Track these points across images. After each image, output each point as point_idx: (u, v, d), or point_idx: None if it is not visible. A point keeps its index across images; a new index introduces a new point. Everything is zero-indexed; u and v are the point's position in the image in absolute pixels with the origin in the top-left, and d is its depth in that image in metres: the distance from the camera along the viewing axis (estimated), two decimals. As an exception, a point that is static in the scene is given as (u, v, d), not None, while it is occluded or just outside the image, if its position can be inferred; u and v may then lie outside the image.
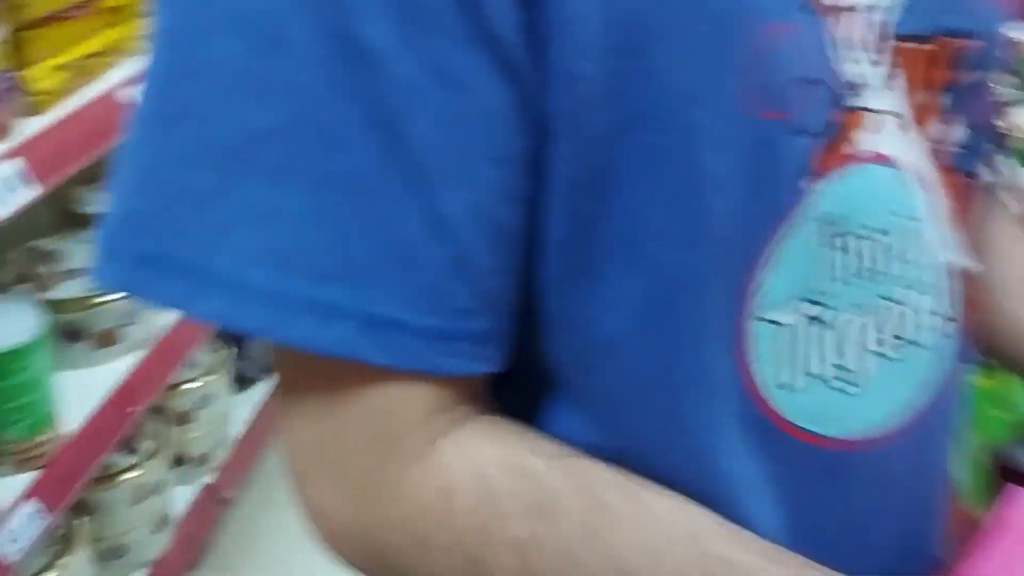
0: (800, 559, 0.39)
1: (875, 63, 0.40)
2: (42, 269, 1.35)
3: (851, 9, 0.39)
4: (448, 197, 0.35)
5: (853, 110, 0.40)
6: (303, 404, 0.39)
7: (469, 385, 0.40)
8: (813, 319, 0.41)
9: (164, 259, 0.36)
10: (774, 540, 0.40)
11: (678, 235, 0.38)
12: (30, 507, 1.11)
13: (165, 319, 1.44)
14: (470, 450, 0.39)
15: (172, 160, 0.36)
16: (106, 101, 1.16)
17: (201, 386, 1.68)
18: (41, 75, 1.07)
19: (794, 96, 0.38)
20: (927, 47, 0.42)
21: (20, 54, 1.05)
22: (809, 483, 0.43)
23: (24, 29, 1.04)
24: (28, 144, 1.01)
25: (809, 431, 0.42)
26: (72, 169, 1.08)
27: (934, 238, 0.43)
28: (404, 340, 0.36)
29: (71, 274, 1.35)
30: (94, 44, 1.16)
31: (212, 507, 1.74)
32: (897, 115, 0.41)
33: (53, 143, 1.05)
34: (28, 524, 1.11)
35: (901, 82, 0.41)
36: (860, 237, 0.41)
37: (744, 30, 0.36)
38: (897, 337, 0.43)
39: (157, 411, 1.59)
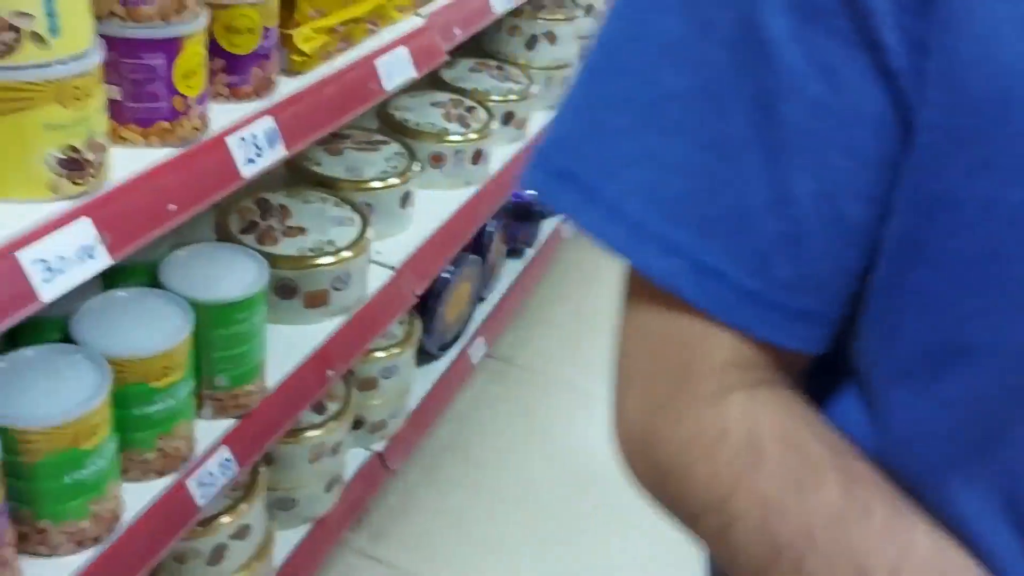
0: None
1: None
2: (269, 221, 1.37)
3: None
4: (799, 179, 0.40)
5: None
6: (634, 317, 0.48)
7: (772, 353, 0.44)
8: None
9: (571, 176, 0.44)
10: None
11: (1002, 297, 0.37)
12: (223, 454, 1.14)
13: (372, 287, 1.45)
14: (754, 411, 0.43)
15: (600, 104, 0.44)
16: (362, 68, 1.15)
17: (388, 356, 1.68)
18: (305, 36, 1.06)
19: None
20: None
21: (288, 14, 1.04)
22: None
23: (298, -11, 1.04)
24: (281, 105, 1.01)
25: None
26: (320, 134, 1.08)
27: None
28: (722, 291, 0.42)
29: (294, 231, 1.37)
30: (358, 10, 1.15)
31: (378, 474, 1.75)
32: None
33: (306, 106, 1.05)
34: (219, 471, 1.13)
35: None
36: None
37: None
38: None
39: (346, 375, 1.61)
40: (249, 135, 0.96)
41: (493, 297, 2.27)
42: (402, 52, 1.22)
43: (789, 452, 0.42)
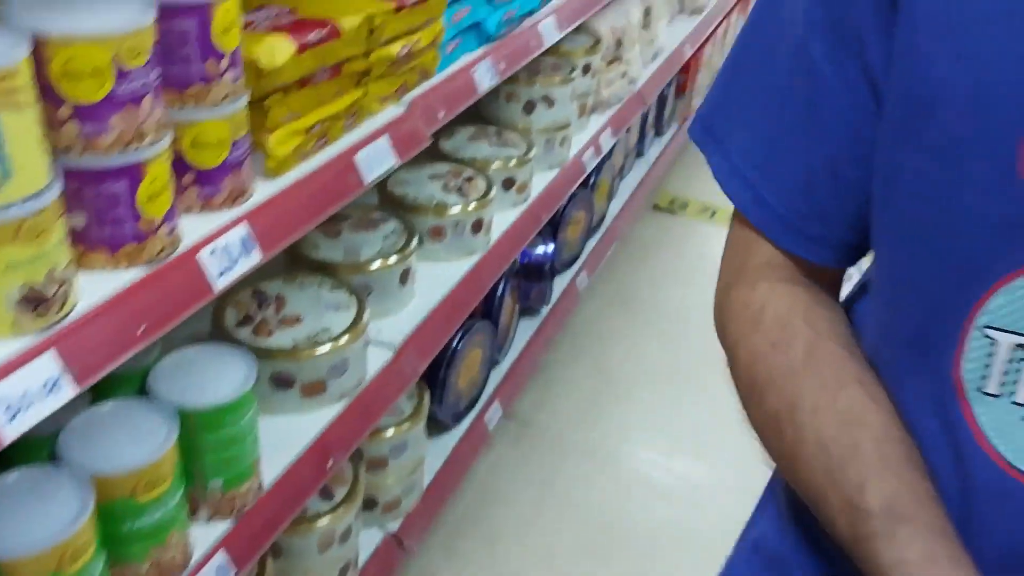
0: (934, 522, 0.53)
1: None
2: (264, 313, 1.38)
3: None
4: (817, 152, 0.61)
5: None
6: (730, 230, 0.70)
7: (797, 261, 0.66)
8: (1019, 347, 0.53)
9: (712, 130, 0.68)
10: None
11: (934, 235, 0.55)
12: (220, 560, 1.13)
13: (372, 369, 1.44)
14: (770, 296, 0.65)
15: (735, 80, 0.67)
16: (340, 164, 1.15)
17: (397, 433, 1.67)
18: (279, 140, 1.06)
19: None
20: None
21: (261, 118, 1.05)
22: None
23: (270, 95, 1.05)
24: (257, 211, 1.01)
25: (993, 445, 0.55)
26: (299, 234, 1.08)
27: None
28: (766, 215, 0.65)
29: (290, 320, 1.37)
30: (335, 107, 1.15)
31: (394, 556, 1.73)
32: None
33: (282, 209, 1.05)
34: None
35: None
36: None
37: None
38: None
39: (353, 456, 1.60)
40: (221, 246, 0.96)
41: (508, 359, 2.26)
42: (383, 143, 1.22)
43: (777, 325, 0.64)
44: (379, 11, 1.17)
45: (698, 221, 3.41)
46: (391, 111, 1.29)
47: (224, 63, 0.93)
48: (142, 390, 1.13)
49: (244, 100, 0.97)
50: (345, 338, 1.35)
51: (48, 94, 0.78)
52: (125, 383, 1.16)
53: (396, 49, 1.24)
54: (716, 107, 0.68)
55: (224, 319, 1.36)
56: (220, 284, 0.95)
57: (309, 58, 1.07)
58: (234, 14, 0.92)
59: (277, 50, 1.03)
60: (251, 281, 1.44)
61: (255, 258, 1.00)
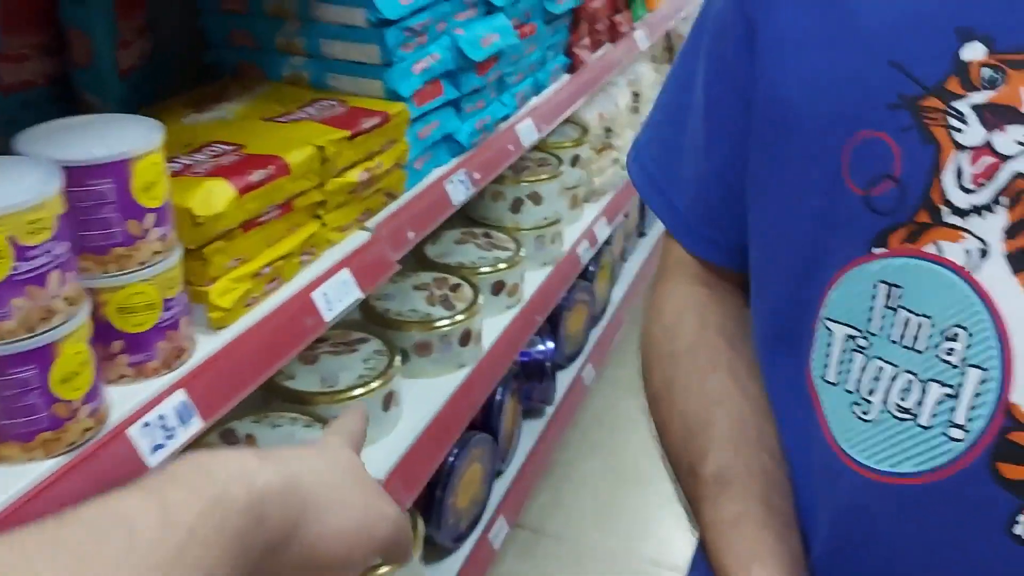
0: (754, 491, 0.62)
1: (992, 201, 0.51)
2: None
3: (987, 149, 0.51)
4: (707, 161, 0.70)
5: (941, 225, 0.53)
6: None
7: (706, 264, 0.74)
8: (851, 338, 0.58)
9: (636, 147, 0.78)
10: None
11: (779, 234, 0.63)
12: None
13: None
14: (673, 293, 0.74)
15: (657, 106, 0.77)
16: (295, 305, 1.07)
17: (390, 569, 1.56)
18: (223, 290, 0.99)
19: (883, 189, 0.55)
20: None
21: (202, 268, 0.97)
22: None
23: (210, 243, 0.97)
24: (196, 372, 0.93)
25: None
26: (248, 391, 0.99)
27: (977, 346, 0.52)
28: (674, 219, 0.74)
29: None
30: (287, 245, 1.08)
31: None
32: (983, 243, 0.52)
33: (228, 366, 0.97)
34: None
35: (1002, 221, 0.51)
36: (909, 311, 0.54)
37: (855, 122, 0.56)
38: (899, 407, 0.56)
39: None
40: (155, 418, 0.87)
41: (513, 466, 2.15)
42: (344, 276, 1.14)
43: (672, 315, 0.73)
44: (332, 140, 1.11)
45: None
46: (355, 239, 1.21)
47: (149, 221, 0.85)
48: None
49: (176, 256, 0.90)
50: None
51: (-63, 283, 0.70)
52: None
53: (354, 176, 1.17)
54: (643, 131, 0.78)
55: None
56: (154, 461, 0.86)
57: (253, 200, 1.00)
58: (158, 167, 0.85)
59: (215, 196, 0.96)
60: (223, 418, 1.36)
61: (195, 426, 0.91)
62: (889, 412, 0.56)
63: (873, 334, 0.56)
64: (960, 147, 0.52)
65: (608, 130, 2.36)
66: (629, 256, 3.05)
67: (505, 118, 1.62)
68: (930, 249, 0.53)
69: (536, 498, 2.37)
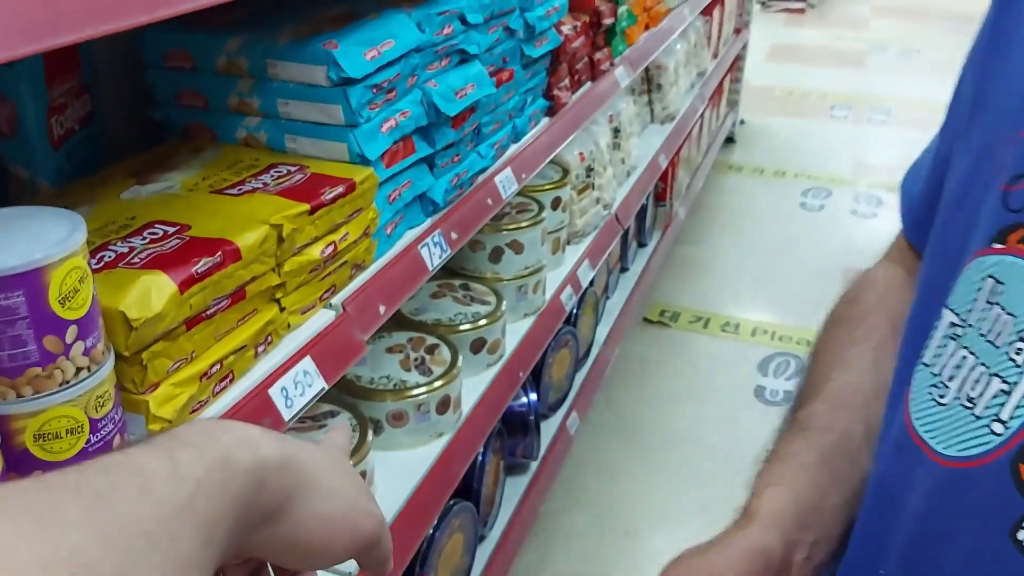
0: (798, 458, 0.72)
1: None
2: None
3: None
4: (935, 153, 0.77)
5: None
6: None
7: (915, 251, 0.81)
8: (953, 325, 0.61)
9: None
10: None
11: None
12: None
13: None
14: (882, 269, 0.85)
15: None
16: (249, 405, 0.95)
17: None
18: (164, 398, 0.87)
19: (1019, 187, 0.57)
20: None
21: (139, 374, 0.85)
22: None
23: (148, 346, 0.85)
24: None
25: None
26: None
27: None
28: (904, 207, 0.84)
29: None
30: (240, 337, 0.96)
31: None
32: None
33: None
34: None
35: None
36: (1001, 308, 0.57)
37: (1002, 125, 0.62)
38: (968, 396, 0.58)
39: None
40: (84, 560, 0.75)
41: (497, 529, 2.02)
42: (306, 365, 1.03)
43: (862, 286, 0.85)
44: (289, 216, 0.99)
45: (691, 332, 3.21)
46: (318, 319, 1.09)
47: (70, 335, 0.73)
48: None
49: (105, 371, 0.78)
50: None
51: None
52: None
53: (316, 253, 1.05)
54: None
55: None
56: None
57: (197, 294, 0.88)
58: (80, 271, 0.73)
59: (153, 294, 0.83)
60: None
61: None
62: (959, 399, 0.59)
63: (970, 325, 0.60)
64: None
65: (589, 169, 2.25)
66: (612, 292, 2.95)
67: (483, 171, 1.51)
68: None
69: (521, 558, 2.25)
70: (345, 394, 1.54)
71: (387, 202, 1.22)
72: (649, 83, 3.11)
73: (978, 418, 0.57)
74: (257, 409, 0.96)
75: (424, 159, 1.31)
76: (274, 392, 0.97)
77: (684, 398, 2.81)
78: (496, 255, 1.92)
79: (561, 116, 1.87)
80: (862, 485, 0.68)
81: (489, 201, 1.51)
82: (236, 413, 0.93)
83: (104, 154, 1.19)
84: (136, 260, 0.88)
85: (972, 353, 0.59)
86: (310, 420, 1.45)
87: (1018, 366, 0.55)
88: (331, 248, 1.07)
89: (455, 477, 1.59)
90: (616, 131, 2.50)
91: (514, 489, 2.14)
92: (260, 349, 1.00)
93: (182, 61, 1.18)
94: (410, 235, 1.31)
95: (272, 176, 1.09)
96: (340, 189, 1.06)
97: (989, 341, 0.57)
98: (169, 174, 1.10)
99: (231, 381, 0.96)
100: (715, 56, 3.96)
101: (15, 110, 1.03)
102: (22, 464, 0.75)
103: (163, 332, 0.86)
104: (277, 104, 1.14)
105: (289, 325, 1.05)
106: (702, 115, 3.71)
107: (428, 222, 1.36)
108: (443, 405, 1.58)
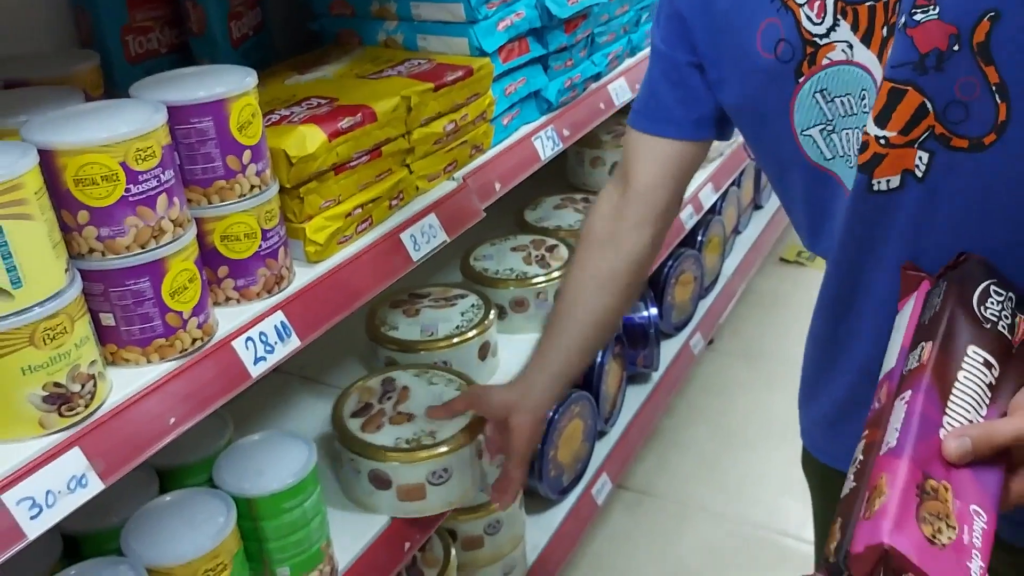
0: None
1: (833, 24, 0.82)
2: (383, 405, 1.37)
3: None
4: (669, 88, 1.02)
5: (822, 44, 0.83)
6: None
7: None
8: (824, 131, 0.88)
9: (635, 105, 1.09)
10: None
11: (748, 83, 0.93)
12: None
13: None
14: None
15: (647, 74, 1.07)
16: (385, 244, 1.16)
17: (491, 509, 1.64)
18: (317, 227, 1.08)
19: (780, 48, 0.86)
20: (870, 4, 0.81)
21: (299, 205, 1.07)
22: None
23: (304, 183, 1.07)
24: (293, 298, 1.03)
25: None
26: (340, 317, 1.08)
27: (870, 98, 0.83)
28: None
29: (402, 418, 1.34)
30: (377, 190, 1.17)
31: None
32: (848, 43, 0.82)
33: (322, 294, 1.06)
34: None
35: (849, 26, 0.82)
36: (839, 97, 0.85)
37: (756, 19, 0.87)
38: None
39: (445, 536, 1.58)
40: (257, 334, 0.98)
41: (617, 429, 2.19)
42: (431, 220, 1.23)
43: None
44: (417, 91, 1.19)
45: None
46: (442, 187, 1.29)
47: (246, 157, 0.96)
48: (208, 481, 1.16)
49: (272, 192, 1.00)
50: (446, 447, 1.29)
51: (65, 201, 0.82)
52: (197, 471, 1.19)
53: (440, 127, 1.25)
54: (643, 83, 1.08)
55: (342, 408, 1.37)
56: (256, 371, 0.97)
57: (342, 144, 1.09)
58: (252, 108, 0.95)
59: (307, 139, 1.05)
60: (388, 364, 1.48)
61: (293, 344, 1.01)
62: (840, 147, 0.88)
63: (832, 120, 0.85)
64: (799, 6, 0.83)
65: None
66: (744, 228, 3.03)
67: (596, 77, 1.67)
68: (825, 61, 0.83)
69: (642, 461, 2.41)
70: (476, 283, 1.75)
71: (503, 94, 1.40)
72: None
73: (844, 161, 0.88)
74: (391, 249, 1.17)
75: (538, 59, 1.48)
76: (404, 237, 1.18)
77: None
78: (615, 170, 2.06)
79: (677, 38, 2.00)
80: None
81: (602, 106, 1.66)
82: (374, 250, 1.15)
83: (271, 58, 1.43)
84: (295, 119, 1.11)
85: (847, 128, 0.85)
86: (443, 301, 1.66)
87: (866, 112, 0.83)
88: (452, 125, 1.27)
89: (572, 359, 1.76)
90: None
91: (636, 396, 2.29)
92: (394, 203, 1.21)
93: (333, -23, 1.40)
94: (525, 128, 1.49)
95: (406, 66, 1.29)
96: (460, 73, 1.26)
97: (853, 114, 0.84)
98: (324, 67, 1.32)
99: (370, 224, 1.17)
100: None
101: (204, 15, 1.27)
102: (211, 260, 0.98)
103: (316, 173, 1.08)
104: (410, 8, 1.35)
105: (417, 188, 1.25)
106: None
107: (543, 119, 1.53)
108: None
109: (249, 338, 0.97)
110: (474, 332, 1.56)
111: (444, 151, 1.28)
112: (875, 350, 0.84)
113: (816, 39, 0.83)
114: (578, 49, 1.57)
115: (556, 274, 1.74)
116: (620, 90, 1.73)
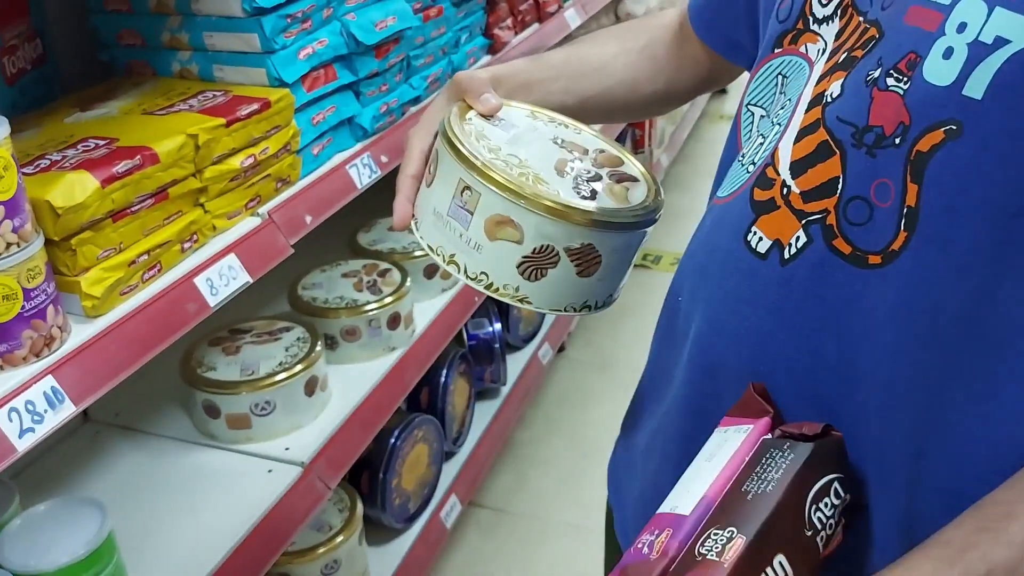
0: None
1: (831, 14, 0.70)
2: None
3: None
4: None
5: (809, 31, 0.73)
6: None
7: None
8: (762, 118, 0.77)
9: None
10: None
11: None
12: None
13: (278, 488, 1.37)
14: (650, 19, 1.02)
15: None
16: (177, 292, 1.10)
17: (327, 550, 1.59)
18: (94, 280, 1.01)
19: (784, 3, 0.75)
20: (861, 24, 0.68)
21: (72, 258, 1.00)
22: None
23: (77, 234, 1.00)
24: (66, 360, 0.96)
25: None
26: (125, 375, 1.02)
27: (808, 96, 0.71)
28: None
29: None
30: (166, 233, 1.10)
31: None
32: (824, 44, 0.71)
33: (102, 352, 0.99)
34: None
35: (835, 29, 0.70)
36: (785, 95, 0.74)
37: None
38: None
39: (279, 580, 1.52)
40: (23, 404, 0.90)
41: (466, 447, 2.17)
42: (230, 261, 1.17)
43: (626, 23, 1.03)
44: (206, 128, 1.13)
45: (671, 274, 3.32)
46: (244, 224, 1.23)
47: (-2, 214, 0.88)
48: (-8, 556, 1.06)
49: (34, 248, 0.92)
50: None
51: None
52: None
53: (236, 163, 1.19)
54: None
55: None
56: (23, 445, 0.89)
57: (119, 190, 1.02)
58: (4, 160, 0.88)
59: (76, 188, 0.98)
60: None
61: (67, 410, 0.94)
62: (740, 160, 0.77)
63: (768, 113, 0.76)
64: None
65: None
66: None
67: (415, 101, 1.64)
68: (802, 49, 0.73)
69: (499, 478, 2.40)
70: (303, 314, 1.69)
71: (310, 124, 1.35)
72: (618, 32, 3.21)
73: (743, 166, 0.75)
74: (184, 296, 1.10)
75: (349, 86, 1.44)
76: (199, 281, 1.12)
77: (661, 332, 2.93)
78: (449, 189, 2.04)
79: (504, 55, 1.99)
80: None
81: (423, 129, 1.63)
82: (163, 297, 1.08)
83: (58, 92, 1.33)
84: (67, 165, 1.03)
85: (760, 131, 0.75)
86: (267, 336, 1.60)
87: (773, 125, 0.72)
88: (251, 160, 1.21)
89: (407, 385, 1.73)
90: (576, 75, 2.61)
91: (486, 412, 2.28)
92: (187, 245, 1.14)
93: (120, 4, 1.32)
94: (339, 157, 1.45)
95: (199, 100, 1.23)
96: (255, 106, 1.20)
97: (770, 117, 0.74)
98: (110, 102, 1.24)
99: (159, 271, 1.10)
100: (693, 6, 4.03)
101: (-31, 50, 1.17)
102: (-33, 326, 0.90)
103: (89, 222, 1.00)
104: (203, 37, 1.28)
105: (215, 227, 1.19)
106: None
107: (358, 146, 1.49)
108: (393, 321, 1.72)
109: (13, 409, 0.89)
110: (300, 367, 1.50)
111: (244, 187, 1.23)
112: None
113: (810, 19, 0.72)
114: (392, 73, 1.54)
115: (388, 300, 1.70)
116: (442, 111, 1.70)
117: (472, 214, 0.71)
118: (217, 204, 1.18)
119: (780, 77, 0.75)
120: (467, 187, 0.71)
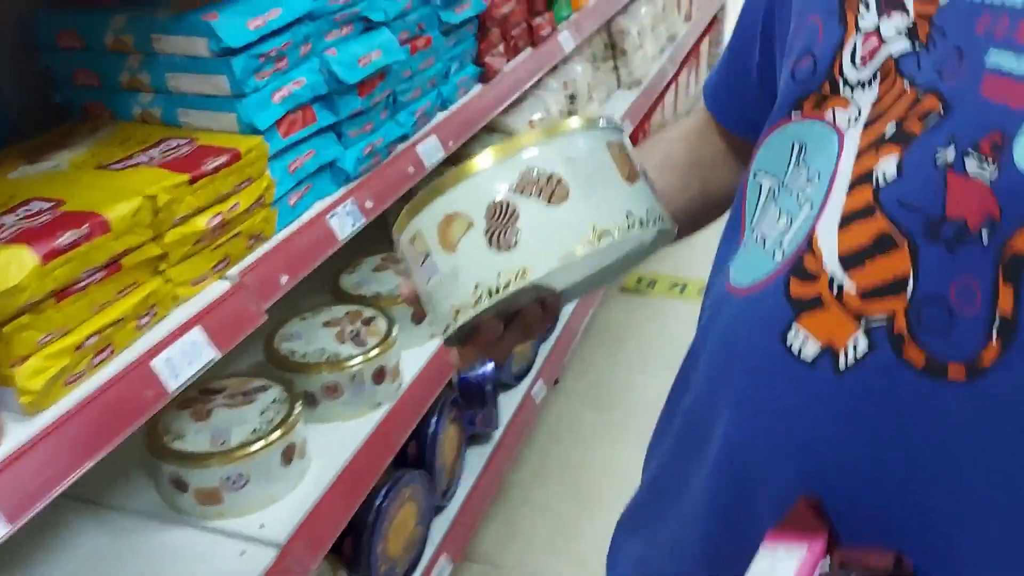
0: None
1: (869, 79, 0.61)
2: None
3: (876, 33, 0.61)
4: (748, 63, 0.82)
5: (838, 95, 0.63)
6: None
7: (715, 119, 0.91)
8: (771, 189, 0.70)
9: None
10: None
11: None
12: None
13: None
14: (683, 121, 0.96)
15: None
16: (130, 377, 0.96)
17: None
18: (33, 371, 0.88)
19: (803, 64, 0.66)
20: (909, 92, 0.59)
21: (6, 349, 0.86)
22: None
23: (12, 319, 0.86)
24: (6, 463, 0.82)
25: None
26: (72, 478, 0.88)
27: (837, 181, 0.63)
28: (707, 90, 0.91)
29: None
30: (118, 310, 0.97)
31: None
32: (858, 111, 0.62)
33: (43, 453, 0.86)
34: None
35: (873, 95, 0.61)
36: (807, 166, 0.65)
37: (807, 9, 0.67)
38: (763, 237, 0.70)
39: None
40: (-56, 527, 0.77)
41: (456, 500, 2.03)
42: (194, 336, 1.03)
43: (668, 128, 0.95)
44: (166, 188, 1.00)
45: (668, 299, 3.20)
46: (212, 290, 1.10)
47: (-90, 308, 0.74)
48: None
49: (-44, 341, 0.79)
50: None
51: None
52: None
53: (201, 223, 1.05)
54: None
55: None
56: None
57: (63, 267, 0.88)
58: (-81, 245, 0.74)
59: (11, 267, 0.84)
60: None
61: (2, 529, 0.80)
62: (755, 239, 0.68)
63: (785, 185, 0.67)
64: (859, 30, 0.62)
65: (539, 137, 2.24)
66: (583, 262, 2.94)
67: (403, 138, 1.51)
68: (828, 115, 0.64)
69: (489, 526, 2.26)
70: (279, 369, 1.55)
71: (287, 172, 1.22)
72: (613, 49, 3.09)
73: (765, 249, 0.66)
74: (139, 382, 0.97)
75: (330, 128, 1.31)
76: (158, 363, 0.98)
77: (659, 365, 2.80)
78: (438, 226, 1.91)
79: (496, 83, 1.86)
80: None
81: (411, 169, 1.51)
82: (115, 386, 0.94)
83: (10, 136, 1.19)
84: (4, 236, 0.89)
85: (780, 207, 0.67)
86: (241, 397, 1.46)
87: (799, 203, 0.64)
88: (218, 219, 1.08)
89: (395, 446, 1.60)
90: (572, 97, 2.49)
91: (477, 459, 2.15)
92: (144, 321, 1.01)
93: (73, 41, 1.18)
94: (319, 205, 1.32)
95: (160, 150, 1.09)
96: (223, 159, 1.07)
97: (791, 192, 0.66)
98: (60, 153, 1.11)
99: (112, 352, 0.97)
100: (688, 19, 3.93)
101: None
102: None
103: (27, 304, 0.87)
104: (166, 78, 1.15)
105: (177, 297, 1.05)
106: (675, 80, 3.68)
107: (340, 192, 1.36)
108: (379, 375, 1.59)
109: (-70, 535, 0.76)
110: (276, 435, 1.37)
111: (211, 249, 1.09)
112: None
113: (840, 82, 0.63)
114: (377, 111, 1.41)
115: (373, 353, 1.57)
116: (431, 149, 1.57)
117: (429, 250, 0.64)
118: (180, 271, 1.05)
119: (798, 145, 0.67)
120: (411, 239, 0.65)
